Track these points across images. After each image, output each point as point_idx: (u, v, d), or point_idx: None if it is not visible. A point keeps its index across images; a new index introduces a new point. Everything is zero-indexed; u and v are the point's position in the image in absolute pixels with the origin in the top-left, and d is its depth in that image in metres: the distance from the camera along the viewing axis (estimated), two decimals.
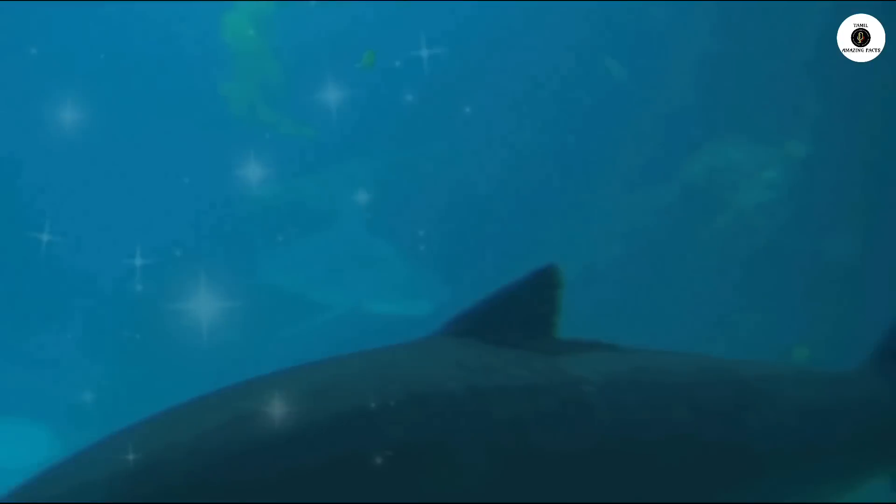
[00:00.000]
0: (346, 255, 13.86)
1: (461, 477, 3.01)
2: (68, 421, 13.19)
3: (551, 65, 14.04)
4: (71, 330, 15.00)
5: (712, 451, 3.54)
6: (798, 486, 3.79)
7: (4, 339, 14.76)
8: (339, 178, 14.45)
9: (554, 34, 13.97)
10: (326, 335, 12.82)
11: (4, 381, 14.24)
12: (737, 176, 12.92)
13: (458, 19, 14.13)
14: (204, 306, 10.34)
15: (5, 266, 14.49)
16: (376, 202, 14.03)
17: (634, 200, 13.36)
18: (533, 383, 3.35)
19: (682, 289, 12.66)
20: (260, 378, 3.24)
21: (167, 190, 13.95)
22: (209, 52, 14.35)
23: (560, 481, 3.15)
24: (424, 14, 13.48)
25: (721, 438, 3.59)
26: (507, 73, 14.19)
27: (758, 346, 11.40)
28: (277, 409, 2.97)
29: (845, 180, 11.97)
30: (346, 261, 13.83)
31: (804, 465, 3.83)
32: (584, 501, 3.17)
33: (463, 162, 14.27)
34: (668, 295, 12.72)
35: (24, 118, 13.88)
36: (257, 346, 13.26)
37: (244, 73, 14.10)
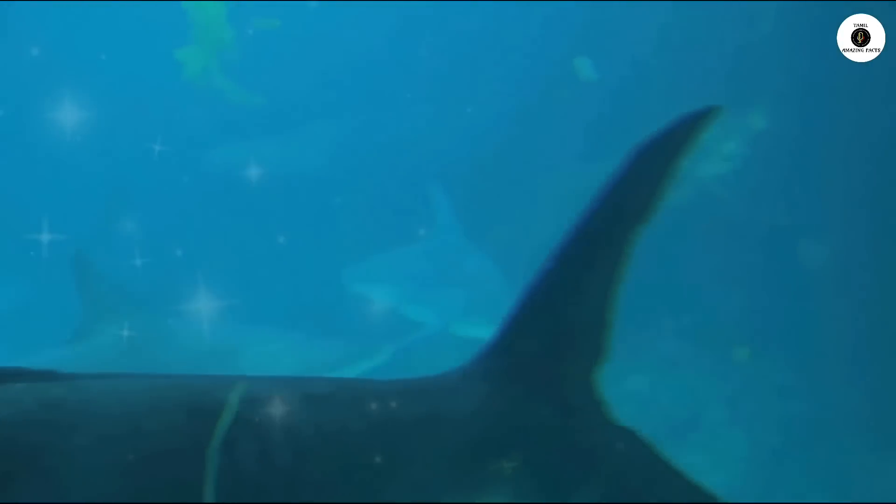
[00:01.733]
0: (436, 268, 12.01)
1: None
2: None
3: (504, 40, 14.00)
4: None
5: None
6: None
7: None
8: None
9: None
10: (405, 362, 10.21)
11: None
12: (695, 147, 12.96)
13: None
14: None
15: None
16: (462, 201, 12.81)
17: (589, 172, 13.35)
18: None
19: (638, 262, 12.69)
20: None
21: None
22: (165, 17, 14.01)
23: None
24: None
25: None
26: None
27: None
28: None
29: (805, 153, 12.08)
30: (435, 274, 11.91)
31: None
32: None
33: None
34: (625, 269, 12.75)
35: None
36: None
37: (201, 38, 13.79)
